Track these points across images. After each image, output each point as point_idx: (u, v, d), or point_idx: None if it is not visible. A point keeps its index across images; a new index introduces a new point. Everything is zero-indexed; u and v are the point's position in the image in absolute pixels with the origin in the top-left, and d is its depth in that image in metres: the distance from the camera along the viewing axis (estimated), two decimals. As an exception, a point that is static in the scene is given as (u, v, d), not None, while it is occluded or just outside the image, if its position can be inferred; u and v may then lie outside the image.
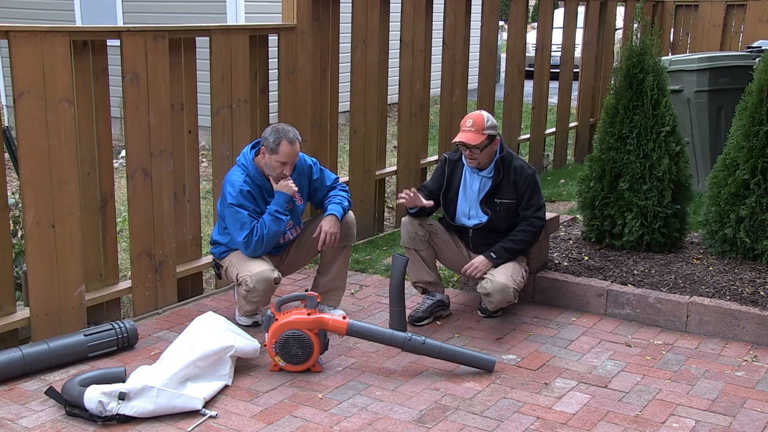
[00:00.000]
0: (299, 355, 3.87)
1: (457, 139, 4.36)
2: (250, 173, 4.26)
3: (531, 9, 10.36)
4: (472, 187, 4.50)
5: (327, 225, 4.33)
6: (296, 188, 4.31)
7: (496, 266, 4.36)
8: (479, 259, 4.39)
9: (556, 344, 4.28)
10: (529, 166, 4.51)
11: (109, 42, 4.35)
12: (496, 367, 3.96)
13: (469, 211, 4.52)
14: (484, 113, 4.40)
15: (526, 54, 8.20)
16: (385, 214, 6.84)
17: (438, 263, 4.69)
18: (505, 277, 4.31)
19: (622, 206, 5.10)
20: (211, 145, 5.02)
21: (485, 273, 4.35)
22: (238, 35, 4.96)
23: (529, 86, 8.26)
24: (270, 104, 5.35)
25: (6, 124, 4.88)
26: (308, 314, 3.86)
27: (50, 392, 3.56)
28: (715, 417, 3.52)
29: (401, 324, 4.23)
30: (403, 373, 3.95)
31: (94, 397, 3.39)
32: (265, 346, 3.94)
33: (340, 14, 5.73)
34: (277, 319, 3.87)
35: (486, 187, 4.46)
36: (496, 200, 4.44)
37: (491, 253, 4.37)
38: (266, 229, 4.21)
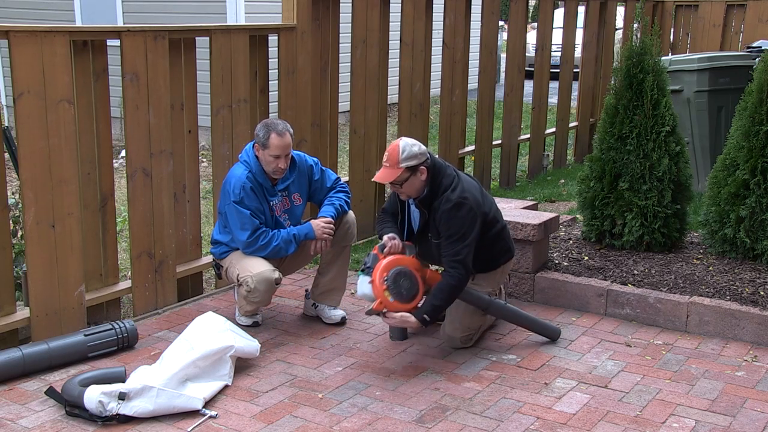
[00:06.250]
0: (410, 289, 3.89)
1: (374, 179, 4.00)
2: (252, 169, 4.26)
3: (531, 9, 10.35)
4: (414, 220, 4.17)
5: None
6: (329, 239, 4.35)
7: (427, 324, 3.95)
8: (409, 321, 3.93)
9: (556, 344, 4.27)
10: (450, 199, 3.87)
11: (109, 42, 4.35)
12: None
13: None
14: (402, 142, 3.89)
15: (526, 54, 8.20)
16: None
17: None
18: (452, 327, 4.15)
19: (622, 206, 5.10)
20: (211, 145, 5.02)
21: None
22: (238, 35, 4.96)
23: (529, 86, 8.26)
24: (270, 104, 5.35)
25: (6, 124, 4.87)
26: None
27: (50, 392, 3.56)
28: (715, 417, 3.53)
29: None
30: (403, 373, 3.95)
31: (94, 397, 3.39)
32: (371, 282, 3.89)
33: (340, 14, 5.72)
34: (381, 259, 3.95)
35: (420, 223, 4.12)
36: (429, 235, 4.06)
37: (424, 316, 3.90)
38: (276, 241, 4.24)
